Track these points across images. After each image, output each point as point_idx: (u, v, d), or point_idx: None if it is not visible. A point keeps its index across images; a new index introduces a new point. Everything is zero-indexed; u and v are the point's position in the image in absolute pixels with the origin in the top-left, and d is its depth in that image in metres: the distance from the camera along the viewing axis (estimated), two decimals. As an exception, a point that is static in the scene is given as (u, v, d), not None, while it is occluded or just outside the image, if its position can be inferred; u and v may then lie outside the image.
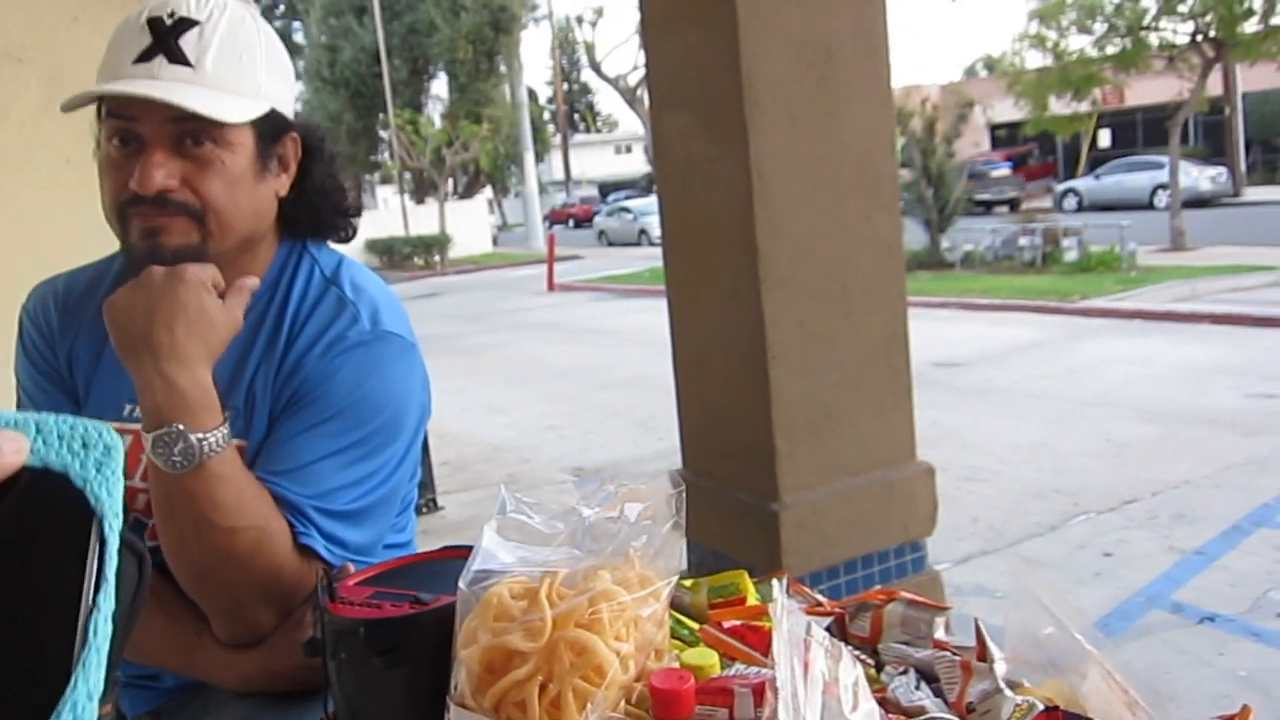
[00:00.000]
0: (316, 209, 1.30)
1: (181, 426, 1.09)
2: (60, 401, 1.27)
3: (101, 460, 0.49)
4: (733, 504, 3.11)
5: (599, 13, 31.79)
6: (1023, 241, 15.70)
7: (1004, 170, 28.18)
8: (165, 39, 1.12)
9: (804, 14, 2.83)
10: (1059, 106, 20.86)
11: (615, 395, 8.93)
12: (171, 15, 1.13)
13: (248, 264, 1.24)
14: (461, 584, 0.88)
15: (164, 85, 1.10)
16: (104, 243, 1.20)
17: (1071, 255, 15.01)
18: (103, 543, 0.47)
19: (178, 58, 1.12)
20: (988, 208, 25.86)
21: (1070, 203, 25.79)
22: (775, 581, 1.36)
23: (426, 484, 5.31)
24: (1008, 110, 26.08)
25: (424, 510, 5.25)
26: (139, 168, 1.12)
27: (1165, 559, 4.45)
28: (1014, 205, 26.12)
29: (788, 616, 0.73)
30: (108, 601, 0.46)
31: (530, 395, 9.48)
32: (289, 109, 1.25)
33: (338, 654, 0.96)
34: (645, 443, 6.98)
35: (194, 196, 1.15)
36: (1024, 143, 30.70)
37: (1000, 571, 4.31)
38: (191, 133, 1.13)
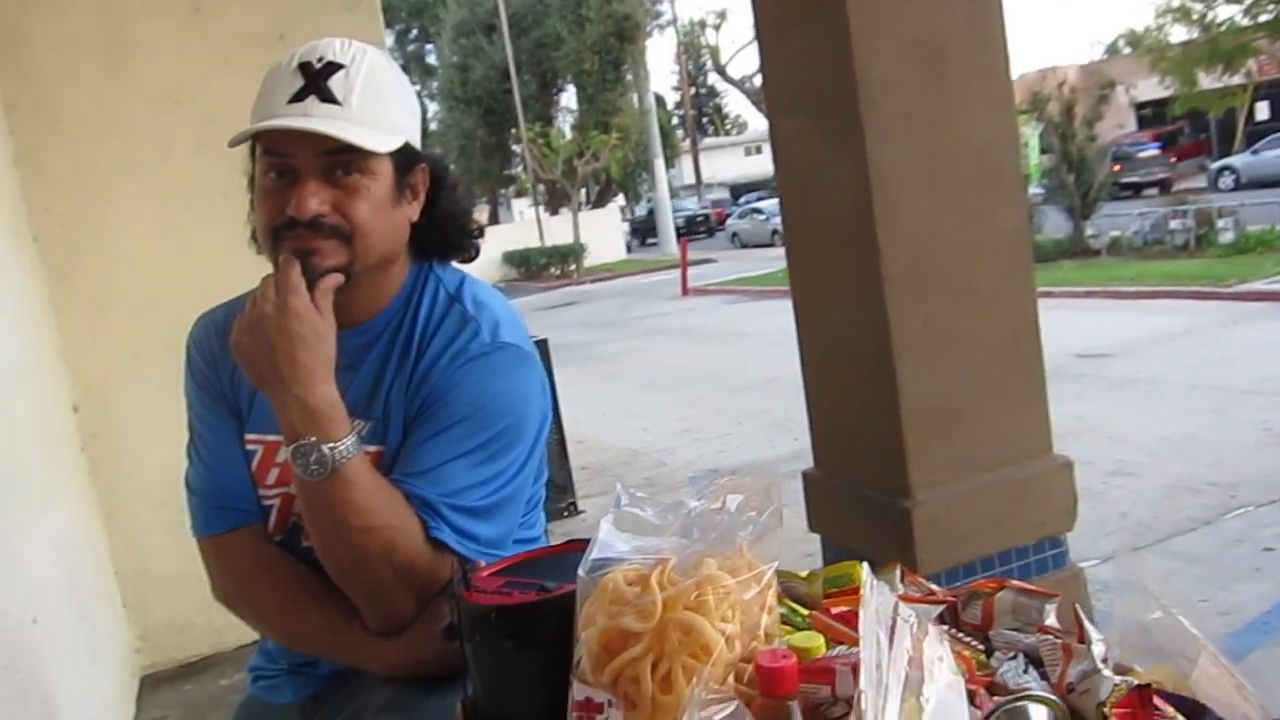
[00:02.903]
0: (444, 232, 1.42)
1: (315, 439, 1.21)
2: (225, 418, 1.41)
3: None
4: (865, 502, 3.11)
5: (722, 15, 32.06)
6: (1173, 224, 15.04)
7: (1152, 151, 26.88)
8: (316, 81, 1.25)
9: (915, 12, 2.81)
10: (1209, 81, 19.86)
11: (751, 397, 8.96)
12: (320, 60, 1.26)
13: (383, 283, 1.36)
14: (581, 572, 0.96)
15: (318, 120, 1.22)
16: (256, 266, 1.32)
17: (1227, 236, 14.27)
18: None
19: (327, 97, 1.24)
20: (1136, 190, 24.75)
21: (1226, 181, 24.33)
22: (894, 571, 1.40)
23: (566, 488, 5.45)
24: (1153, 88, 24.97)
25: (565, 514, 5.39)
26: (295, 196, 1.24)
27: (1330, 553, 4.24)
28: (1164, 187, 24.97)
29: (876, 596, 0.77)
30: None
31: (667, 400, 9.59)
32: (418, 142, 1.36)
33: (473, 638, 1.05)
34: (781, 444, 6.99)
35: (343, 220, 1.26)
36: (1173, 121, 29.29)
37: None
38: (341, 163, 1.25)
